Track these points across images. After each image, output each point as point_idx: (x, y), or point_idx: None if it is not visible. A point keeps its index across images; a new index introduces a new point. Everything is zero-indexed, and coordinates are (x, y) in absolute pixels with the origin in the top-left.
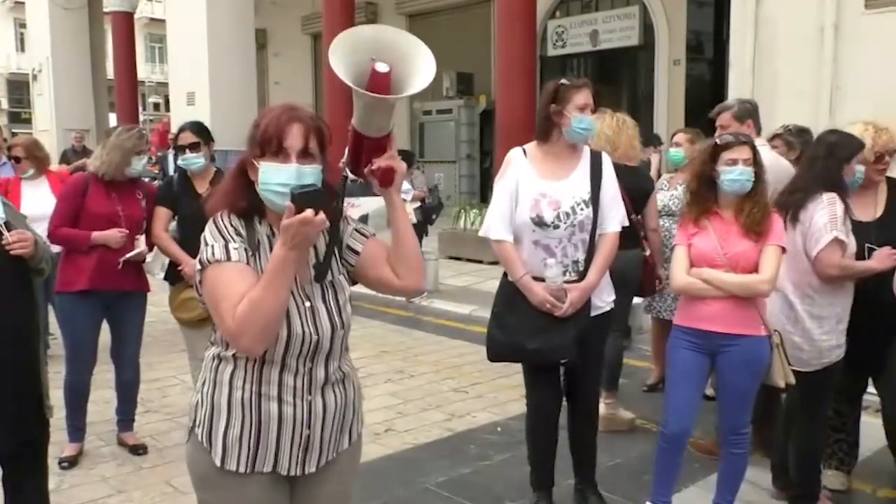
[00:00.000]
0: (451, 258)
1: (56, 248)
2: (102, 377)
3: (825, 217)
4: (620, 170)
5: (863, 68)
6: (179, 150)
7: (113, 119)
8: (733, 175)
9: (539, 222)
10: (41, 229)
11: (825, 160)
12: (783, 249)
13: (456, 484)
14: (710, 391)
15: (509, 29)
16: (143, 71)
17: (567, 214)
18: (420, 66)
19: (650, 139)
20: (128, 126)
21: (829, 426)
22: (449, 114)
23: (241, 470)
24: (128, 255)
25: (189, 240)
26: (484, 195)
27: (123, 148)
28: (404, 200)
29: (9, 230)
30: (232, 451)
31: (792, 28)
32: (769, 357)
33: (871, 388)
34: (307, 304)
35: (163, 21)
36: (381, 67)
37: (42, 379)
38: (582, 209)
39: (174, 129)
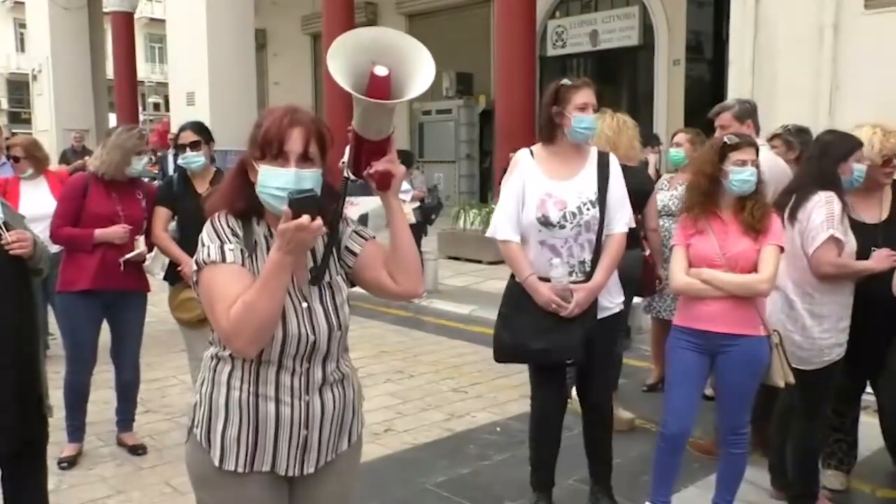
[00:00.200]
0: (450, 258)
1: (55, 248)
2: (102, 377)
3: (822, 215)
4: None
5: (862, 68)
6: (180, 148)
7: (113, 119)
8: (743, 176)
9: (545, 222)
10: (40, 229)
11: (820, 159)
12: (781, 249)
13: (455, 484)
14: (709, 391)
15: (509, 29)
16: (143, 71)
17: (573, 214)
18: (419, 69)
19: (649, 139)
20: (128, 126)
21: (829, 426)
22: (448, 114)
23: (240, 470)
24: (127, 256)
25: (189, 240)
26: (483, 195)
27: (123, 148)
28: (404, 201)
29: (7, 230)
30: (230, 451)
31: (791, 28)
32: (769, 357)
33: (869, 388)
34: (304, 304)
35: (163, 21)
36: (380, 71)
37: (42, 379)
38: (588, 209)
39: (174, 129)
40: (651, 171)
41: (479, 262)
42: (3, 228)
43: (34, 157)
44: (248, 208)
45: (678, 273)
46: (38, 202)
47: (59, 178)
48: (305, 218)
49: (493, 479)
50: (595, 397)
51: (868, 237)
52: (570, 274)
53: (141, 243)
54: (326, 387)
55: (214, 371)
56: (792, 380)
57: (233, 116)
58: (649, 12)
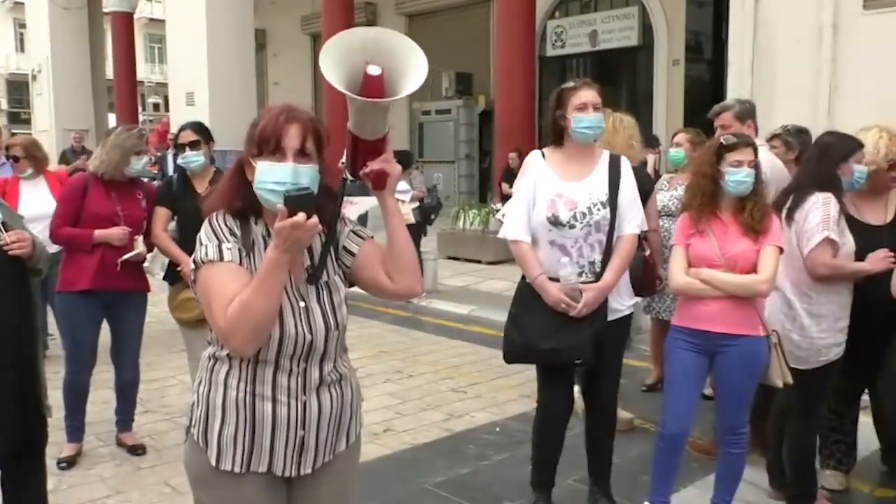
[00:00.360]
0: (449, 258)
1: (55, 248)
2: (102, 377)
3: (818, 217)
4: None
5: (861, 68)
6: (180, 148)
7: (112, 119)
8: (739, 177)
9: (555, 221)
10: (39, 229)
11: (819, 160)
12: (781, 250)
13: (454, 484)
14: (707, 391)
15: (508, 29)
16: (143, 71)
17: (583, 214)
18: (412, 67)
19: (648, 140)
20: (127, 126)
21: (828, 426)
22: (448, 114)
23: (236, 470)
24: (126, 256)
25: (188, 239)
26: (483, 195)
27: (123, 147)
28: (402, 201)
29: (6, 231)
30: (227, 451)
31: (791, 28)
32: (767, 357)
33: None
34: (301, 303)
35: (162, 21)
36: (373, 70)
37: (41, 379)
38: (599, 210)
39: (174, 130)
40: (650, 171)
41: (479, 262)
42: (2, 229)
43: (34, 157)
44: (246, 207)
45: (677, 273)
46: (37, 202)
47: (58, 179)
48: (301, 216)
49: (492, 479)
50: (602, 398)
51: (873, 239)
52: (580, 274)
53: (140, 243)
54: (324, 387)
55: (212, 371)
56: (790, 380)
57: (232, 116)
58: (648, 12)
